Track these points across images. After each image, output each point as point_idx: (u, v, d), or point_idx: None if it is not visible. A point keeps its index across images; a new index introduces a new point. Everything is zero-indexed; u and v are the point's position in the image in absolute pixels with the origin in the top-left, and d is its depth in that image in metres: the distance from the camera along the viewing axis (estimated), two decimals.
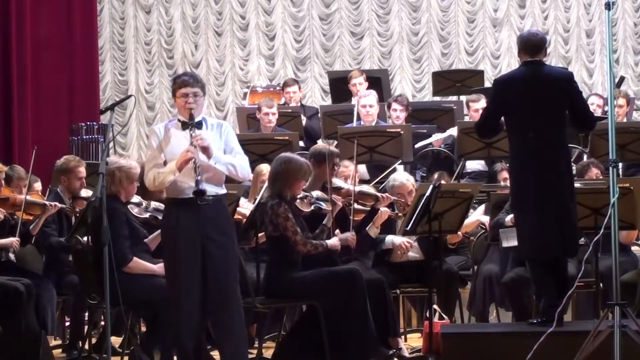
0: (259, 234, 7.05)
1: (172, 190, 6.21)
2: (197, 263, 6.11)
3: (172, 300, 6.17)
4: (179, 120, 6.26)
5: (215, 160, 6.12)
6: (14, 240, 7.30)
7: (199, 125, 6.17)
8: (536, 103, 6.45)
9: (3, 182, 7.39)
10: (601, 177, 7.79)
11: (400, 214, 7.49)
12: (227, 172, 6.21)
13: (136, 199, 7.12)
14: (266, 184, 7.12)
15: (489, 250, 7.92)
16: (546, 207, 6.39)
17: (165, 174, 6.11)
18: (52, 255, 7.61)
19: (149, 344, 6.67)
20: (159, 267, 6.65)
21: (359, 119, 10.02)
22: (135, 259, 6.70)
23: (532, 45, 6.57)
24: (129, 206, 6.98)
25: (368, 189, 7.77)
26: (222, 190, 6.26)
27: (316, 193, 7.14)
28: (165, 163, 6.16)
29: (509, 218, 7.23)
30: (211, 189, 6.12)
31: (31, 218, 7.40)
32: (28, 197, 7.33)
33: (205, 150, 6.07)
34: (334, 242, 6.86)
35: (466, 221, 7.68)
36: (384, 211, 7.42)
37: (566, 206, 6.43)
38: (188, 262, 6.11)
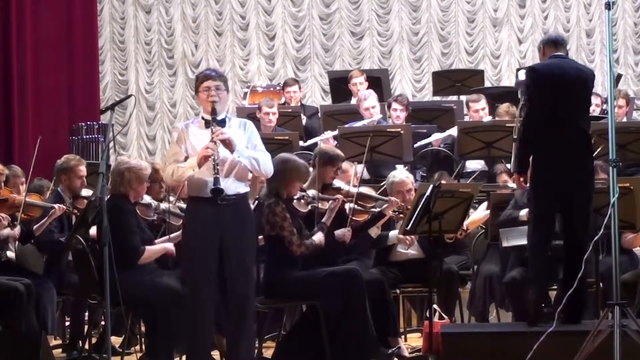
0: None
1: (193, 187, 6.25)
2: (214, 262, 6.15)
3: (188, 298, 6.22)
4: (202, 118, 6.28)
5: (238, 153, 6.14)
6: (14, 233, 7.29)
7: (221, 122, 6.18)
8: (571, 95, 6.42)
9: (2, 183, 7.39)
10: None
11: (400, 214, 7.49)
12: (250, 166, 6.23)
13: (146, 199, 7.11)
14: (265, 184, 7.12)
15: (489, 250, 7.91)
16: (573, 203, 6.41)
17: (184, 169, 6.14)
18: (51, 253, 7.59)
19: (154, 350, 6.66)
20: (169, 241, 6.79)
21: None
22: (146, 247, 6.74)
23: (557, 38, 6.65)
24: (136, 207, 6.97)
25: (369, 191, 7.75)
26: (244, 189, 6.28)
27: (312, 192, 7.13)
28: (186, 159, 6.19)
29: (524, 212, 7.13)
30: (234, 186, 6.16)
31: (26, 218, 7.39)
32: (27, 199, 7.33)
33: (227, 143, 6.08)
34: (319, 237, 6.85)
35: (473, 217, 7.70)
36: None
37: (589, 200, 6.43)
38: (205, 260, 6.16)
